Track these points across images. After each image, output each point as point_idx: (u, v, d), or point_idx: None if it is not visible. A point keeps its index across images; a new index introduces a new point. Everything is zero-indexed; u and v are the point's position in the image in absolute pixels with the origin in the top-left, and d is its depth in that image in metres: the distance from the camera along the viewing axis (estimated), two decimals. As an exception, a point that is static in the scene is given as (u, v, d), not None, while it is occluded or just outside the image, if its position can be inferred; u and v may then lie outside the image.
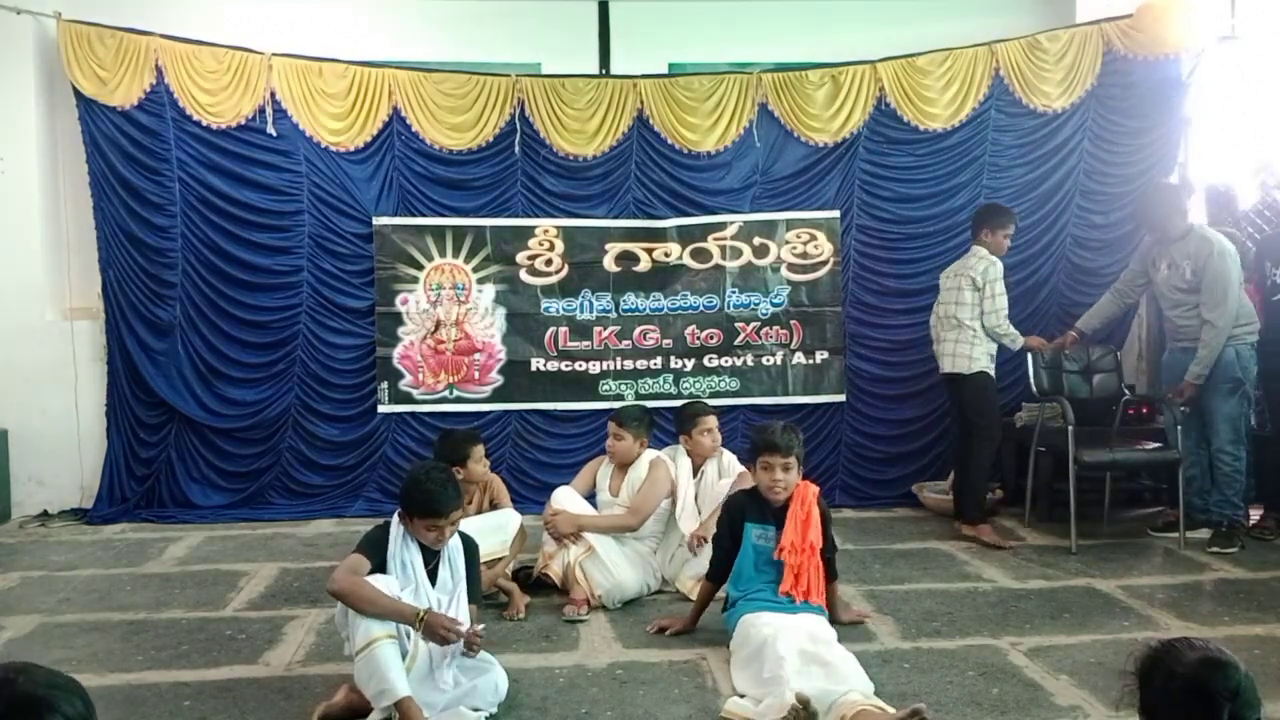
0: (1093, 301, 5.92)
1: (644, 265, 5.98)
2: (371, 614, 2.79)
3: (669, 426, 5.37)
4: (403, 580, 2.93)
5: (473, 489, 4.26)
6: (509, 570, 4.08)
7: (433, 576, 3.02)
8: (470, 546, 3.15)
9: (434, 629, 2.82)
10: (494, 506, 4.24)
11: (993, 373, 5.01)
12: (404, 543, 2.99)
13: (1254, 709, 1.65)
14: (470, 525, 3.91)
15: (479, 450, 4.22)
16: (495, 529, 4.02)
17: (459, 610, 2.98)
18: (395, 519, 3.02)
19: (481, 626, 2.98)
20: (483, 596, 3.87)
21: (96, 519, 5.59)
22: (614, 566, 4.01)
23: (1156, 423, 5.34)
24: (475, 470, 4.18)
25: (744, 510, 3.57)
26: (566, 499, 4.22)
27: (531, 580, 4.15)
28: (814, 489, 3.57)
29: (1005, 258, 5.15)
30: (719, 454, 4.44)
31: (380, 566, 2.92)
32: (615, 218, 5.98)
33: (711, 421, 4.42)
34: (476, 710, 2.91)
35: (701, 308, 6.01)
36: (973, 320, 5.05)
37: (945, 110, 5.91)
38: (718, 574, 3.63)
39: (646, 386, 5.98)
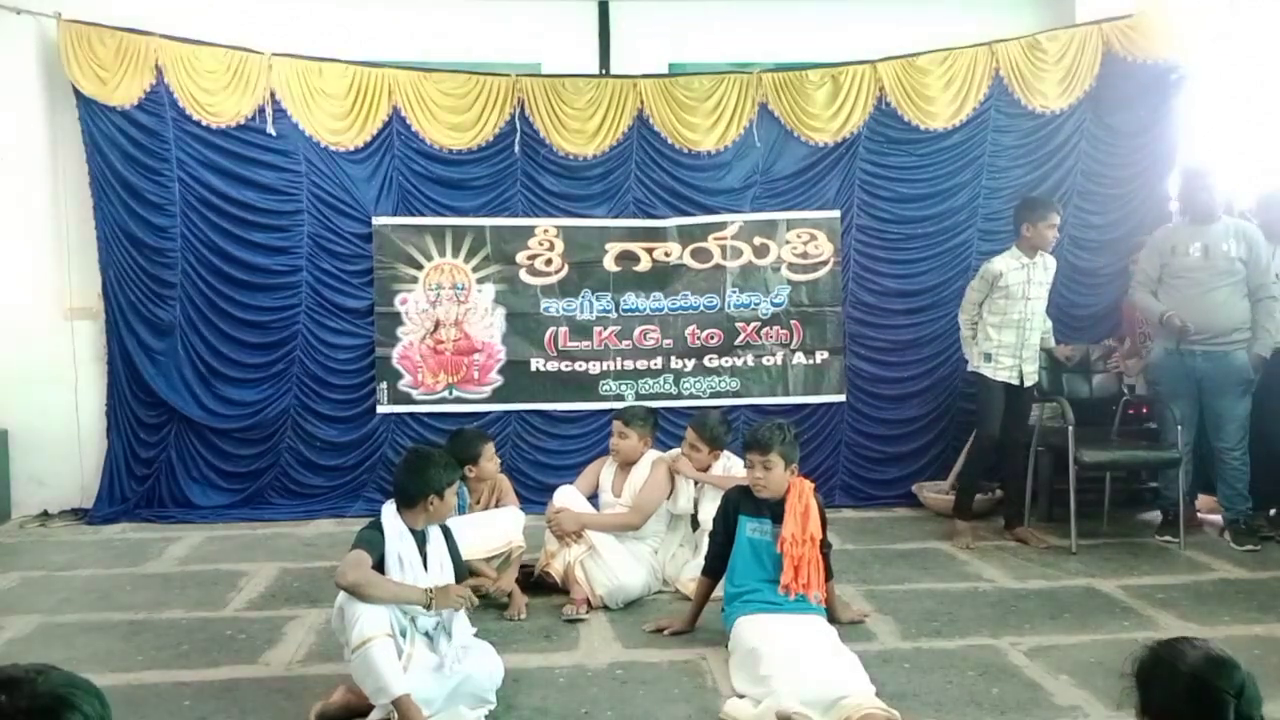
0: (1091, 301, 5.96)
1: (644, 265, 5.98)
2: (385, 600, 2.83)
3: (670, 429, 5.37)
4: (400, 575, 2.96)
5: (482, 487, 4.27)
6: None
7: (423, 563, 3.06)
8: (446, 530, 3.20)
9: (447, 601, 2.91)
10: (498, 504, 4.25)
11: (991, 374, 4.97)
12: (400, 536, 3.01)
13: (1257, 706, 1.65)
14: (472, 521, 3.94)
15: (489, 448, 4.25)
16: (496, 523, 4.03)
17: None
18: (389, 514, 3.03)
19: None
20: (480, 597, 3.90)
21: (96, 519, 5.59)
22: (617, 566, 4.02)
23: (1153, 423, 5.33)
24: (487, 469, 4.21)
25: (739, 504, 3.58)
26: (569, 498, 4.22)
27: (533, 579, 4.15)
28: (809, 484, 3.58)
29: None
30: (724, 456, 4.44)
31: (379, 562, 2.93)
32: (615, 217, 5.97)
33: (689, 434, 4.38)
34: (476, 707, 2.92)
35: (702, 308, 6.01)
36: (972, 319, 5.12)
37: (945, 110, 5.90)
38: (714, 568, 3.64)
39: (647, 387, 5.97)
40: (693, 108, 5.91)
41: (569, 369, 5.97)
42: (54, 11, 5.56)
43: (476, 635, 3.13)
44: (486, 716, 2.94)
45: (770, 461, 3.45)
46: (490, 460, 4.23)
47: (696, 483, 4.36)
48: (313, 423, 5.85)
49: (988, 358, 4.99)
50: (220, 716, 3.01)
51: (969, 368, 5.17)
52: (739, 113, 5.93)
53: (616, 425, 4.38)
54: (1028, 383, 5.00)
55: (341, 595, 2.85)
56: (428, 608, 2.89)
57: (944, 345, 5.91)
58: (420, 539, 3.06)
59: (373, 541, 2.95)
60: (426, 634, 2.94)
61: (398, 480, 3.12)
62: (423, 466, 3.06)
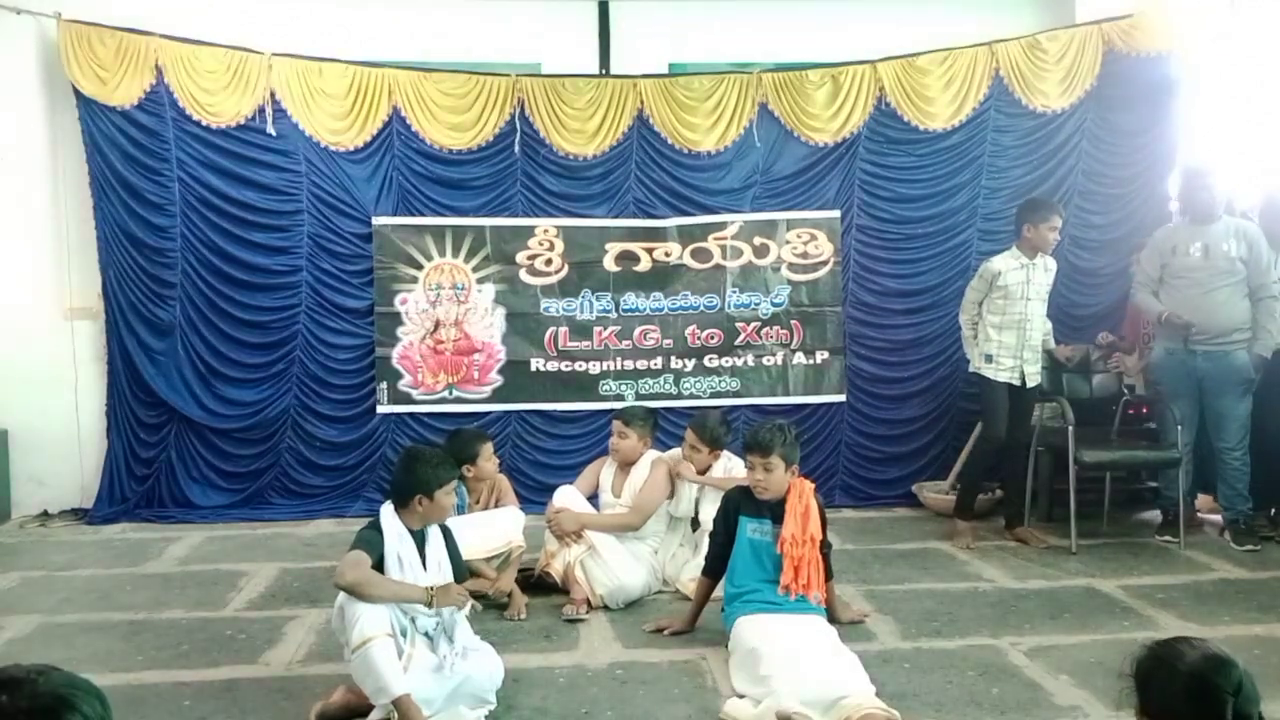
0: (1091, 301, 5.96)
1: (644, 265, 5.98)
2: (385, 599, 2.83)
3: (670, 429, 5.37)
4: (399, 576, 2.96)
5: (481, 487, 4.27)
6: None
7: (422, 563, 3.06)
8: (446, 531, 3.20)
9: (448, 598, 2.92)
10: (498, 504, 4.25)
11: (993, 375, 4.96)
12: (400, 537, 3.01)
13: (1255, 704, 1.66)
14: (472, 521, 3.94)
15: (488, 448, 4.25)
16: (496, 523, 4.03)
17: None
18: (388, 515, 3.03)
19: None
20: (479, 598, 3.90)
21: (96, 519, 5.59)
22: (617, 566, 4.02)
23: (1153, 423, 5.33)
24: (485, 468, 4.21)
25: (739, 504, 3.57)
26: (569, 498, 4.22)
27: (533, 580, 4.15)
28: (809, 485, 3.58)
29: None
30: (725, 457, 4.44)
31: (378, 562, 2.93)
32: (615, 217, 5.97)
33: (689, 435, 4.39)
34: (476, 707, 2.92)
35: (702, 308, 6.01)
36: (973, 319, 5.11)
37: (945, 110, 5.91)
38: (714, 569, 3.64)
39: (647, 387, 5.97)
40: (693, 108, 5.91)
41: (569, 369, 5.97)
42: (54, 11, 5.56)
43: (476, 635, 3.13)
44: (486, 717, 2.94)
45: (771, 463, 3.45)
46: (488, 460, 4.23)
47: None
48: (313, 423, 5.85)
49: (988, 358, 4.99)
50: (220, 716, 3.01)
51: (970, 368, 5.17)
52: (739, 113, 5.93)
53: (616, 425, 4.39)
54: (1030, 384, 5.00)
55: (341, 595, 2.85)
56: (429, 605, 2.89)
57: (944, 345, 5.91)
58: (419, 539, 3.06)
59: (372, 542, 2.95)
60: (426, 634, 2.94)
61: (392, 480, 3.12)
62: (412, 466, 3.05)
